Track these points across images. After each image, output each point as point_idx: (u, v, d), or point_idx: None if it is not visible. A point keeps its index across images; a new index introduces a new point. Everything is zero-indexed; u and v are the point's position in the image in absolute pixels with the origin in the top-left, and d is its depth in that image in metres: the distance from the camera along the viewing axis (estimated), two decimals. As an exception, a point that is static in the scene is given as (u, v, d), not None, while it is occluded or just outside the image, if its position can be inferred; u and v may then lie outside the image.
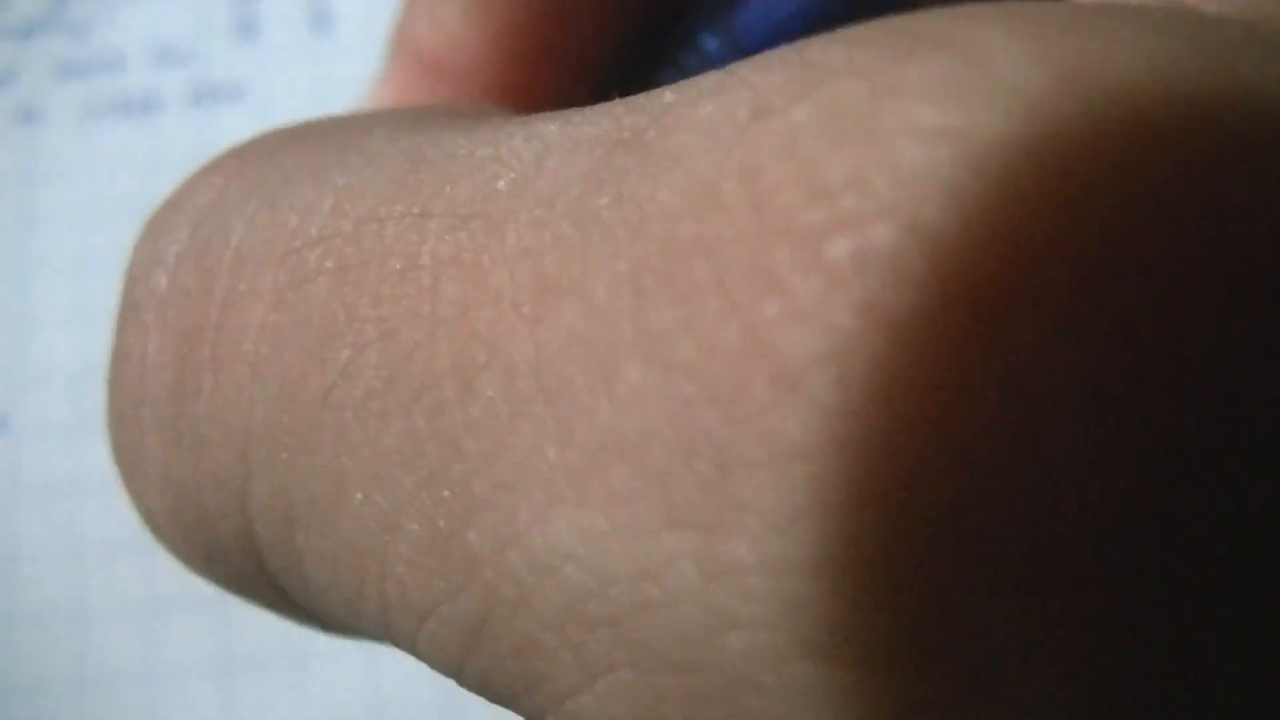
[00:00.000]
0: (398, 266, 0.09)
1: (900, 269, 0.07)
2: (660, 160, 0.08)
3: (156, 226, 0.12)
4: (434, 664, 0.10)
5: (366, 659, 0.28)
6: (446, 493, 0.09)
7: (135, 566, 0.29)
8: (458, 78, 0.15)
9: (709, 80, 0.08)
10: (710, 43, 0.14)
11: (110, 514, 0.29)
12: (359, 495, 0.09)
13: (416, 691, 0.27)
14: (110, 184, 0.32)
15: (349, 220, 0.10)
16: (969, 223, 0.07)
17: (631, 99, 0.09)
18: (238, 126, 0.21)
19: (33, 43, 0.34)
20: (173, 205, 0.11)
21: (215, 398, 0.10)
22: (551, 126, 0.09)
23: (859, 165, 0.07)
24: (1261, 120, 0.07)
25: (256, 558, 0.11)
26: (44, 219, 0.32)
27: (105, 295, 0.31)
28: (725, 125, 0.08)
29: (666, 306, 0.08)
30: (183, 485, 0.11)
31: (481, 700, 0.32)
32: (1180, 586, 0.07)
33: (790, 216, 0.07)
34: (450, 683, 0.30)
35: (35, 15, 0.34)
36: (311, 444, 0.10)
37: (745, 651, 0.07)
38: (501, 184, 0.09)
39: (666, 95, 0.08)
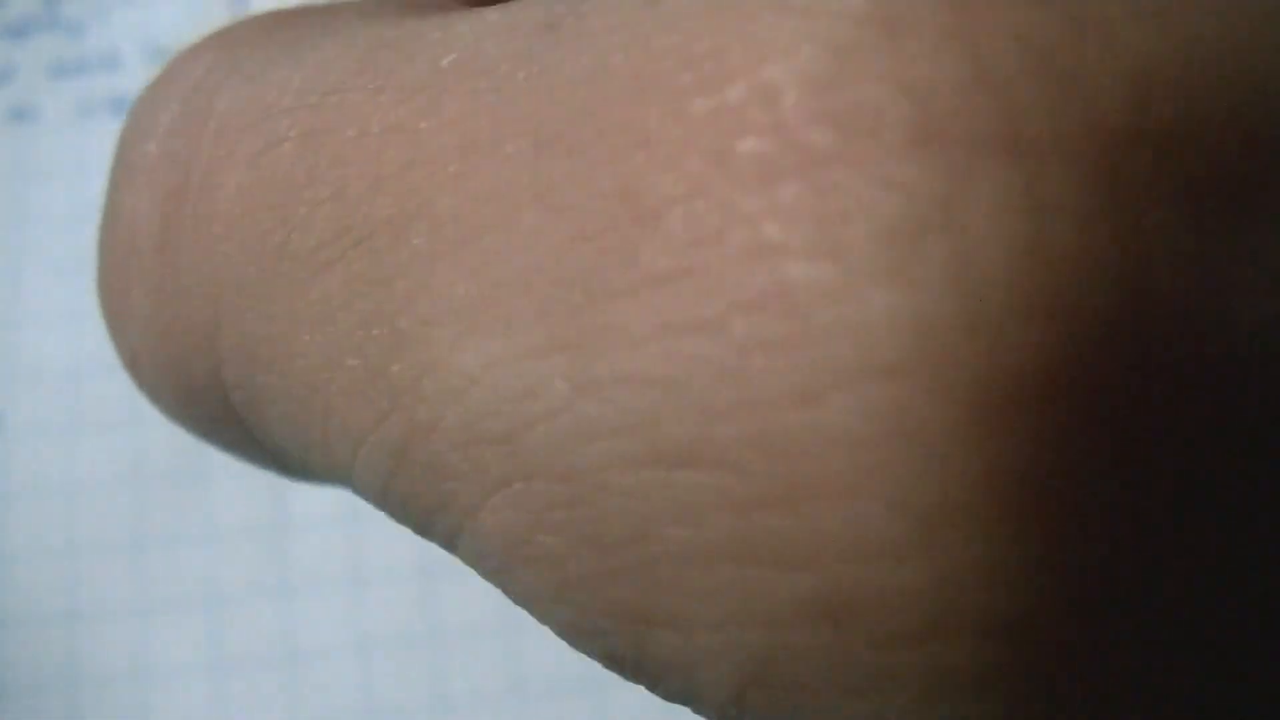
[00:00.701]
0: (352, 134, 0.10)
1: (746, 121, 0.08)
2: (571, 39, 0.09)
3: (150, 98, 0.13)
4: (367, 491, 0.11)
5: (358, 658, 0.28)
6: (377, 330, 0.10)
7: (127, 566, 0.29)
8: None
9: None
10: None
11: (103, 514, 0.29)
12: (306, 335, 0.11)
13: (407, 691, 0.27)
14: (104, 183, 0.32)
15: (315, 94, 0.11)
16: (808, 84, 0.08)
17: None
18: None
19: (26, 42, 0.34)
20: (165, 79, 0.13)
21: (194, 251, 0.12)
22: (494, 14, 0.10)
23: (725, 37, 0.08)
24: None
25: (224, 397, 0.12)
26: (37, 218, 0.32)
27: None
28: (626, 9, 0.09)
29: (560, 159, 0.09)
30: (163, 331, 0.12)
31: (472, 698, 0.32)
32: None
33: (663, 81, 0.09)
34: (441, 680, 0.30)
35: (29, 14, 0.34)
36: (270, 291, 0.11)
37: (606, 457, 0.09)
38: (445, 62, 0.10)
39: None
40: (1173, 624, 0.08)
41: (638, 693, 0.31)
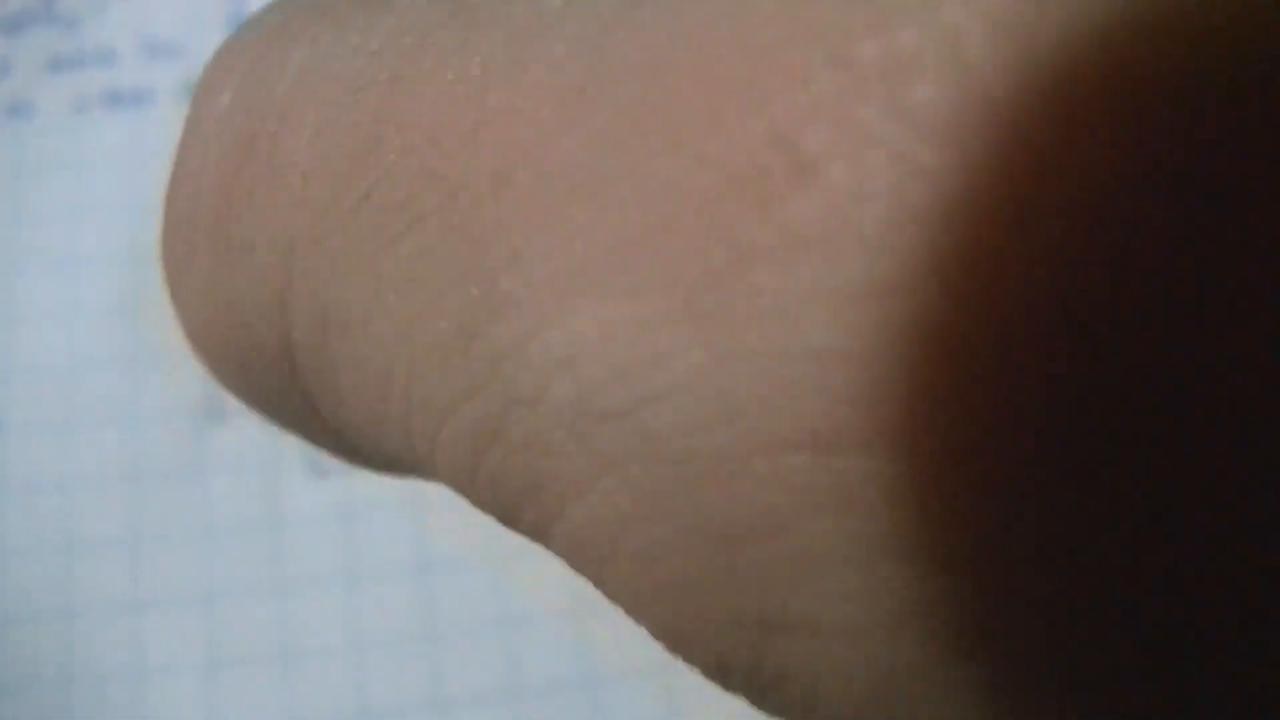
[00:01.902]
0: (449, 77, 0.09)
1: (923, 68, 0.07)
2: None
3: (227, 47, 0.12)
4: (450, 471, 0.10)
5: (354, 656, 0.28)
6: (475, 290, 0.09)
7: (122, 563, 0.29)
8: None
9: None
10: None
11: (99, 511, 0.29)
12: (391, 296, 0.09)
13: (403, 689, 0.27)
14: (101, 178, 0.32)
15: (409, 34, 0.10)
16: (996, 34, 0.07)
17: None
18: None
19: (23, 36, 0.34)
20: (244, 27, 0.12)
21: (265, 205, 0.11)
22: None
23: None
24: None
25: (290, 364, 0.11)
26: (34, 213, 0.32)
27: (96, 290, 0.31)
28: None
29: (697, 103, 0.08)
30: (227, 293, 0.11)
31: (468, 696, 0.32)
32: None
33: (821, 19, 0.08)
34: (437, 679, 0.30)
35: (25, 8, 0.34)
36: (350, 246, 0.10)
37: (745, 438, 0.08)
38: (555, 2, 0.09)
39: None
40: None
41: (633, 692, 0.31)
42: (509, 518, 0.10)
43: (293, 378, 0.11)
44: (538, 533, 0.09)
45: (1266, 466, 0.07)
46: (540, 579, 0.28)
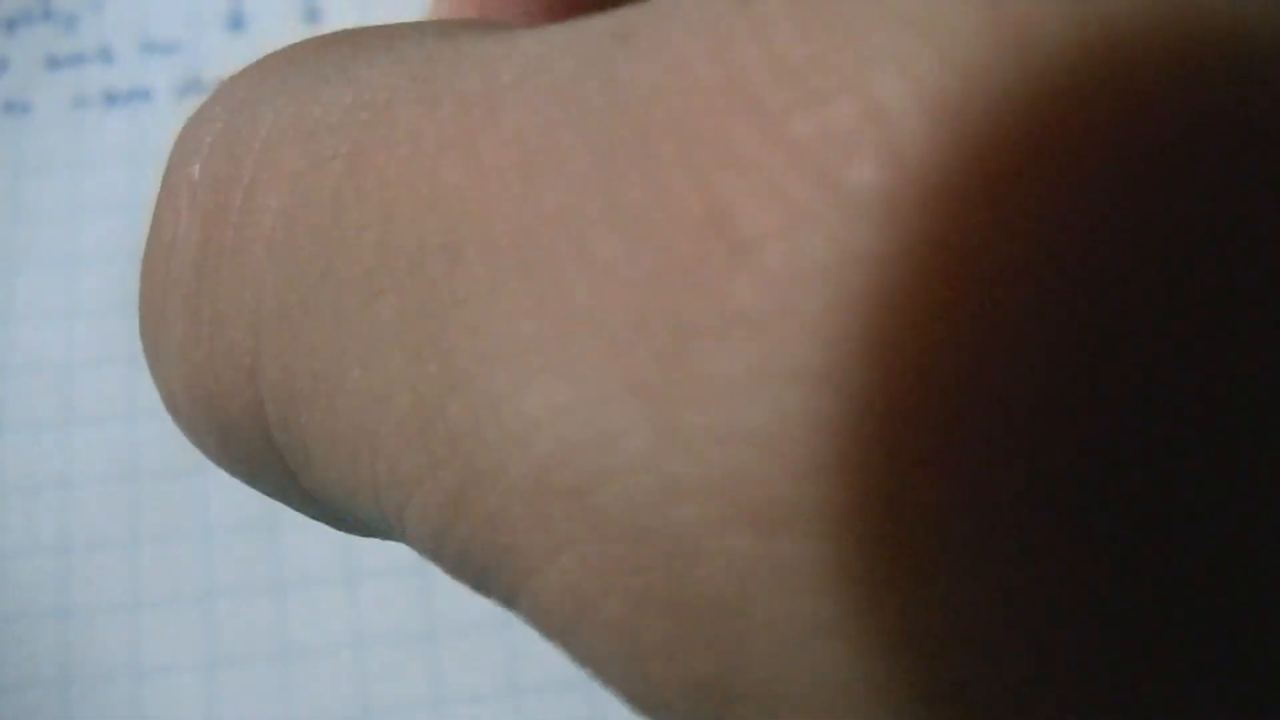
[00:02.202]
0: (404, 151, 0.10)
1: (858, 146, 0.07)
2: (646, 47, 0.08)
3: (197, 118, 0.12)
4: (420, 543, 0.10)
5: (353, 654, 0.28)
6: (433, 367, 0.09)
7: (120, 562, 0.28)
8: (504, 5, 0.16)
9: None
10: None
11: (96, 510, 0.29)
12: (356, 371, 0.10)
13: (402, 687, 0.27)
14: (98, 175, 0.32)
15: (367, 110, 0.10)
16: (927, 111, 0.07)
17: (640, 2, 0.09)
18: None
19: (20, 34, 0.34)
20: (213, 99, 0.12)
21: (234, 276, 0.11)
22: (561, 29, 0.10)
23: (825, 47, 0.07)
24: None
25: (266, 435, 0.11)
26: (31, 210, 0.32)
27: (93, 287, 0.31)
28: (708, 13, 0.08)
29: (637, 181, 0.08)
30: (200, 363, 0.11)
31: (467, 693, 0.32)
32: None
33: (757, 94, 0.08)
34: (436, 676, 0.30)
35: (23, 7, 0.34)
36: (314, 320, 0.10)
37: (693, 520, 0.08)
38: (506, 77, 0.09)
39: None
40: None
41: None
42: (478, 586, 0.10)
43: (270, 449, 0.11)
44: (506, 602, 0.10)
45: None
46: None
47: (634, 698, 0.09)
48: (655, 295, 0.08)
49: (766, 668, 0.08)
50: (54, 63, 0.34)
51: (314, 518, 0.13)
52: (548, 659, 0.28)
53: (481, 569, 0.09)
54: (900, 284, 0.07)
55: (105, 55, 0.34)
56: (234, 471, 0.12)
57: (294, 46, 0.12)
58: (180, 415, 0.12)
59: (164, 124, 0.33)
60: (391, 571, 0.28)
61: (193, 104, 0.36)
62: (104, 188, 0.32)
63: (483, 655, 0.27)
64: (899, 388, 0.07)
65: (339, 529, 0.13)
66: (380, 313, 0.09)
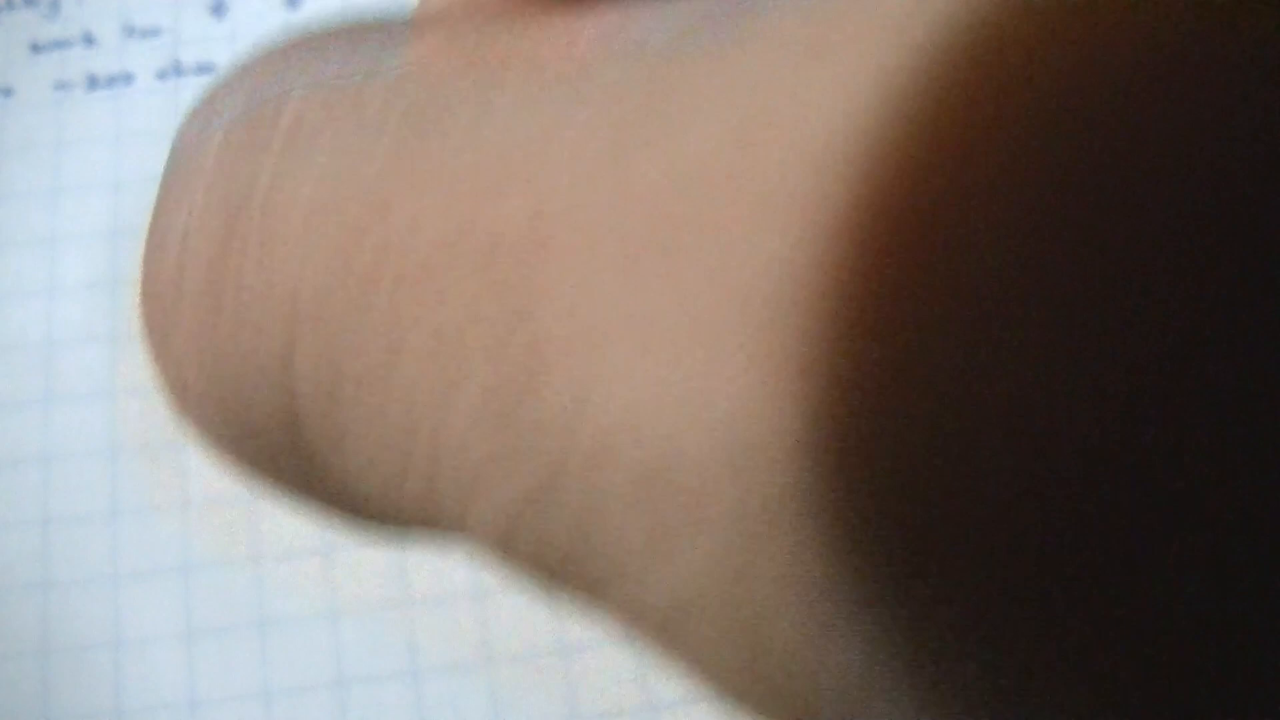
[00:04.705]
0: (467, 119, 0.09)
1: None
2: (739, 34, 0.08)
3: (210, 97, 0.11)
4: (484, 531, 0.09)
5: (328, 626, 0.28)
6: (512, 355, 0.08)
7: (101, 537, 0.29)
8: None
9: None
10: None
11: (77, 486, 0.29)
12: (414, 366, 0.09)
13: (378, 659, 0.28)
14: (79, 157, 0.33)
15: (417, 85, 0.09)
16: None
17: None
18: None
19: (4, 19, 0.34)
20: (229, 74, 0.11)
21: (262, 265, 0.10)
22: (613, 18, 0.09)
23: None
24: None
25: (294, 431, 0.10)
26: (14, 192, 0.32)
27: (76, 267, 0.31)
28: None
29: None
30: (220, 357, 0.10)
31: (443, 665, 0.32)
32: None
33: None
34: (411, 650, 0.30)
35: (6, -10, 0.35)
36: (364, 312, 0.09)
37: (774, 496, 0.07)
38: (583, 52, 0.09)
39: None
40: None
41: (606, 661, 0.31)
42: (554, 579, 0.09)
43: (293, 443, 0.10)
44: (589, 595, 0.09)
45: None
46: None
47: (742, 695, 0.08)
48: (782, 250, 0.07)
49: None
50: (37, 47, 0.34)
51: (319, 511, 0.12)
52: (523, 630, 0.28)
53: (564, 559, 0.09)
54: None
55: (87, 39, 0.34)
56: (245, 464, 0.12)
57: (314, 34, 0.11)
58: (191, 406, 0.11)
59: (145, 107, 0.33)
60: (368, 542, 0.29)
61: (173, 87, 0.36)
62: (85, 170, 0.32)
63: (458, 626, 0.28)
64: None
65: (347, 523, 0.12)
66: (448, 304, 0.09)
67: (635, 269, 0.08)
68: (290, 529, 0.29)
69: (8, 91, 0.34)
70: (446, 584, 0.28)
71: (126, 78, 0.34)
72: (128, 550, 0.29)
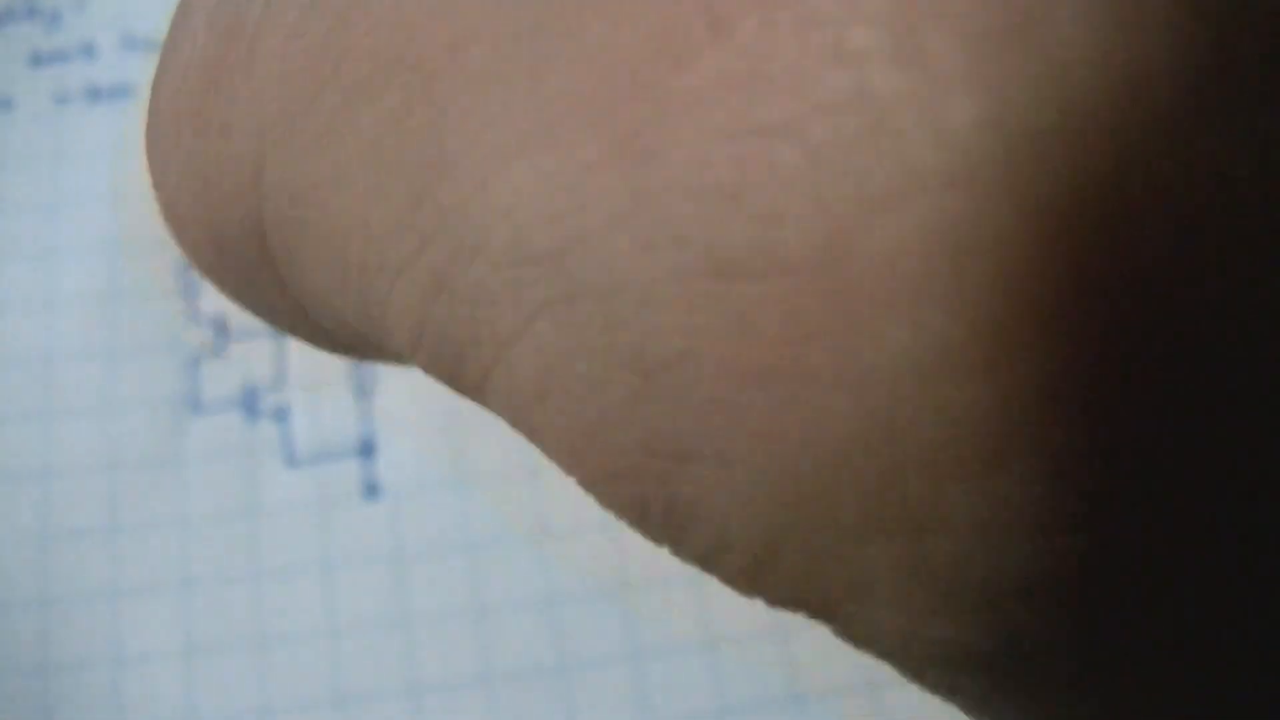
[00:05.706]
0: None
1: None
2: None
3: None
4: (401, 331, 0.10)
5: (329, 644, 0.28)
6: (427, 155, 0.09)
7: (101, 551, 0.29)
8: None
9: None
10: None
11: (77, 500, 0.29)
12: (355, 167, 0.10)
13: (378, 676, 0.28)
14: (80, 170, 0.33)
15: None
16: None
17: None
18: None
19: (3, 31, 0.34)
20: None
21: (243, 89, 0.11)
22: None
23: None
24: None
25: (261, 239, 0.11)
26: (13, 205, 0.32)
27: (75, 280, 0.31)
28: None
29: None
30: (205, 171, 0.12)
31: (442, 683, 0.32)
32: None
33: None
34: (412, 666, 0.30)
35: (6, 4, 0.35)
36: (319, 121, 0.10)
37: (658, 270, 0.08)
38: None
39: None
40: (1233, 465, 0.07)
41: (606, 679, 0.31)
42: (454, 375, 0.10)
43: (263, 257, 0.12)
44: (478, 387, 0.10)
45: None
46: (513, 569, 0.28)
47: (595, 474, 0.09)
48: (640, 71, 0.08)
49: (718, 418, 0.08)
50: (37, 60, 0.34)
51: (297, 334, 0.13)
52: (523, 650, 0.28)
53: (458, 350, 0.10)
54: (863, 42, 0.08)
55: (88, 52, 0.34)
56: (224, 284, 0.13)
57: None
58: (180, 227, 0.13)
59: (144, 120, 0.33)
60: (367, 562, 0.29)
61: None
62: (85, 182, 0.32)
63: (458, 645, 0.28)
64: (864, 145, 0.08)
65: (321, 346, 0.13)
66: (381, 109, 0.10)
67: (525, 75, 0.09)
68: (290, 545, 0.29)
69: (7, 105, 0.33)
70: (447, 602, 0.28)
71: (127, 90, 0.34)
72: (127, 566, 0.29)
